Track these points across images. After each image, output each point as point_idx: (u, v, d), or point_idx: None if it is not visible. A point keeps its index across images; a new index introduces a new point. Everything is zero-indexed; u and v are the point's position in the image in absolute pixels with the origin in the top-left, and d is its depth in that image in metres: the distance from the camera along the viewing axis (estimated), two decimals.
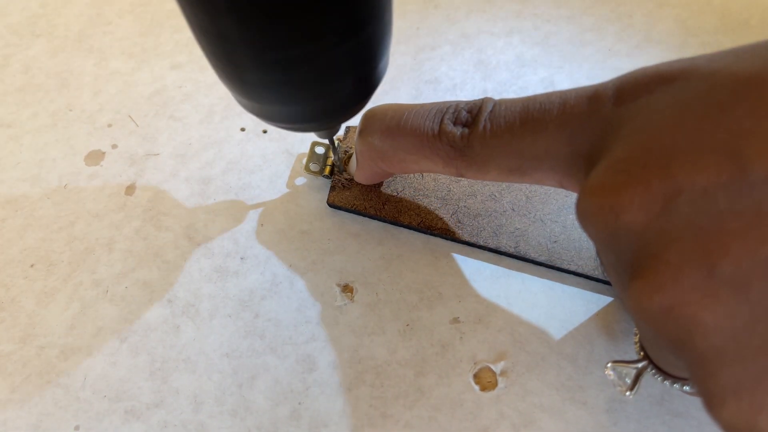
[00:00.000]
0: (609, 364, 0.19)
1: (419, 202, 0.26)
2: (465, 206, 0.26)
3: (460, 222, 0.26)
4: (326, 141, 0.28)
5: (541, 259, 0.25)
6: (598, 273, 0.24)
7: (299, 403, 0.23)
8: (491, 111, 0.19)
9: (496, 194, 0.26)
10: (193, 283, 0.25)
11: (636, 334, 0.20)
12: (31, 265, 0.26)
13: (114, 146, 0.29)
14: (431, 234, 0.26)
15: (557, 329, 0.24)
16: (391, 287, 0.25)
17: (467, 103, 0.20)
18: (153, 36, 0.33)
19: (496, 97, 0.30)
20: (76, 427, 0.22)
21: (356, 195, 0.26)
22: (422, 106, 0.21)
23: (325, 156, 0.27)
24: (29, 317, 0.25)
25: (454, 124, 0.20)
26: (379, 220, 0.26)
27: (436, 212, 0.26)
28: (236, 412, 0.23)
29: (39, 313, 0.25)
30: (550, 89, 0.28)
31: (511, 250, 0.25)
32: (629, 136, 0.16)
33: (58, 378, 0.23)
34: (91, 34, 0.33)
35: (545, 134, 0.18)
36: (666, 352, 0.17)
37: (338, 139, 0.27)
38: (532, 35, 0.32)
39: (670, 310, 0.14)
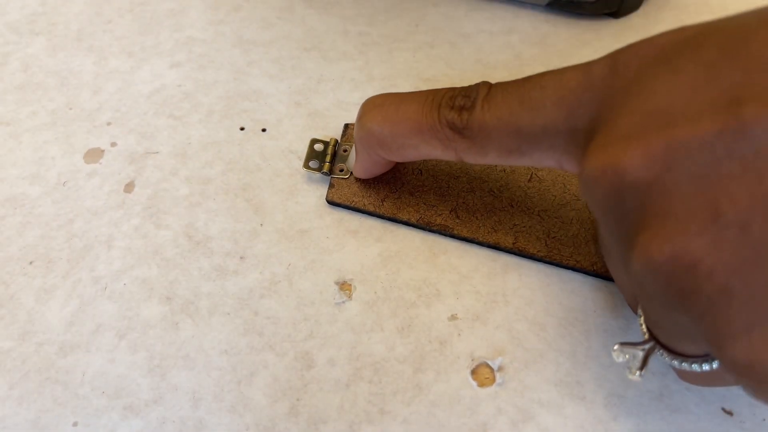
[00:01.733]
0: (616, 347, 0.19)
1: (418, 199, 0.26)
2: (464, 202, 0.26)
3: (458, 218, 0.26)
4: (325, 139, 0.28)
5: (540, 254, 0.25)
6: (596, 268, 0.24)
7: (297, 400, 0.23)
8: (488, 93, 0.20)
9: (495, 190, 0.26)
10: (192, 281, 0.25)
11: (640, 316, 0.20)
12: (30, 263, 0.26)
13: (113, 144, 0.29)
14: (430, 230, 0.26)
15: (555, 325, 0.24)
16: (389, 285, 0.25)
17: (464, 87, 0.21)
18: (153, 35, 0.33)
19: None
20: (75, 424, 0.22)
21: (355, 192, 0.26)
22: (420, 92, 0.22)
23: (324, 153, 0.27)
24: (28, 314, 0.25)
25: (452, 107, 0.20)
26: (378, 216, 0.26)
27: (435, 208, 0.26)
28: (235, 409, 0.23)
29: (38, 310, 0.25)
30: None
31: (510, 246, 0.25)
32: (626, 104, 0.16)
33: (56, 375, 0.23)
34: (90, 33, 0.33)
35: (543, 112, 0.18)
36: (673, 316, 0.16)
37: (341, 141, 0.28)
38: (531, 35, 0.32)
39: (677, 259, 0.14)
